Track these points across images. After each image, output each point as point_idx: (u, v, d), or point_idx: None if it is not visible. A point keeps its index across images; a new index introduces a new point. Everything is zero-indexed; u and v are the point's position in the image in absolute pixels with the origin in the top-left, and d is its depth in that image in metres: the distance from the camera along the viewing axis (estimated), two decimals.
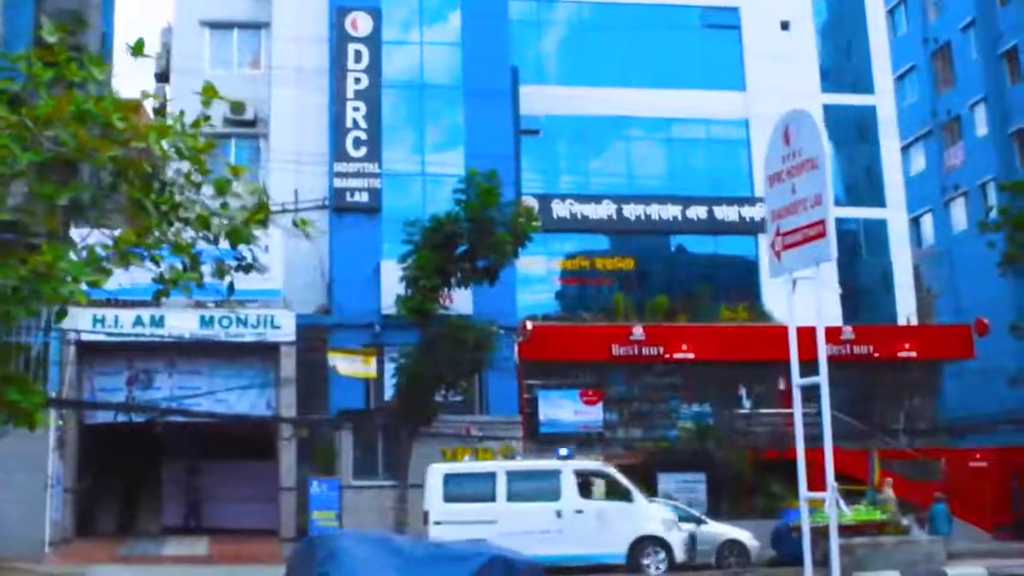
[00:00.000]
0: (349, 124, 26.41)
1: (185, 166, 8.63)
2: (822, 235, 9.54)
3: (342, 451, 24.57)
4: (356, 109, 26.49)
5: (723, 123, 30.48)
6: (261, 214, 9.00)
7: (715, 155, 30.59)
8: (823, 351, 9.48)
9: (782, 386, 25.80)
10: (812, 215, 9.66)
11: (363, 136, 26.37)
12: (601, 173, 30.00)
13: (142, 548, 23.30)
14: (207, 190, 8.78)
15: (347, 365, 22.99)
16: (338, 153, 26.28)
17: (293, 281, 24.84)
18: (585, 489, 19.59)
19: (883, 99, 32.44)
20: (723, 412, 27.79)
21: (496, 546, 8.50)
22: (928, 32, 41.43)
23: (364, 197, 26.18)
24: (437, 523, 18.73)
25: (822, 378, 9.39)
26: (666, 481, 25.32)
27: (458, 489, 19.20)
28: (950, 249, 38.67)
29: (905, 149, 39.26)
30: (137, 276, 9.10)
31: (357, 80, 26.66)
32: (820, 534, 13.32)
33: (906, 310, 30.89)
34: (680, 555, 18.97)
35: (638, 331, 27.21)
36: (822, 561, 12.20)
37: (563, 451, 20.35)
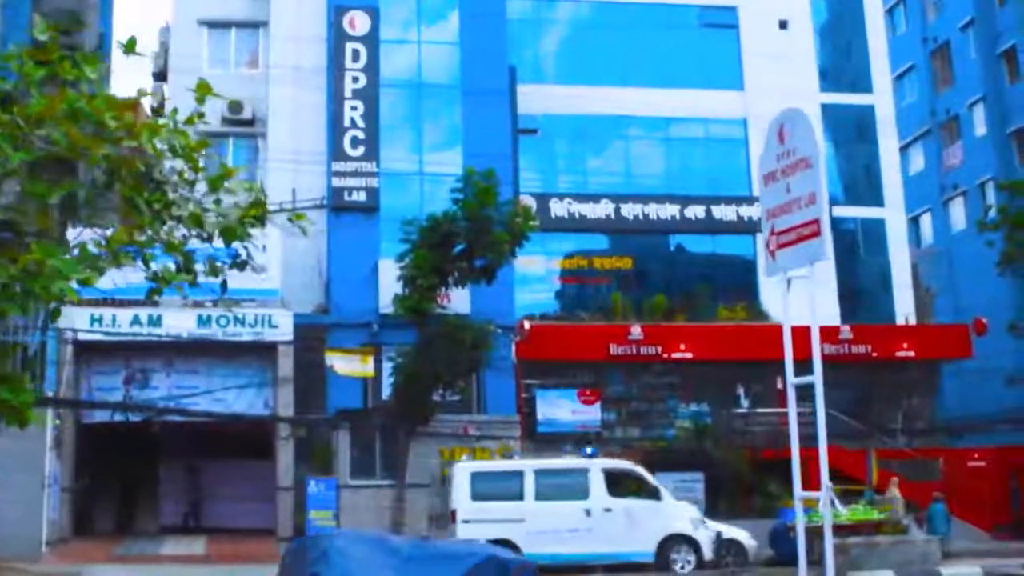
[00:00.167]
0: (347, 123, 26.41)
1: (179, 164, 8.63)
2: (816, 234, 9.52)
3: (339, 451, 24.56)
4: (354, 108, 26.48)
5: (721, 122, 30.46)
6: (255, 211, 8.99)
7: (713, 154, 30.56)
8: (817, 350, 9.46)
9: (780, 385, 25.72)
10: (806, 214, 9.64)
11: (361, 135, 26.36)
12: (599, 172, 29.99)
13: (139, 548, 23.29)
14: (201, 188, 8.78)
15: (344, 364, 22.98)
16: (336, 152, 26.28)
17: (291, 280, 24.85)
18: (613, 487, 19.61)
19: (881, 98, 32.41)
20: (721, 412, 27.76)
21: (488, 546, 8.48)
22: (927, 31, 41.42)
23: (362, 196, 26.18)
24: (465, 521, 18.77)
25: (816, 377, 9.37)
26: (664, 481, 25.08)
27: (485, 488, 19.19)
28: (949, 249, 38.67)
29: (904, 149, 39.26)
30: (133, 275, 9.10)
31: (355, 79, 26.65)
32: (816, 534, 13.31)
33: (904, 310, 30.88)
34: (708, 553, 19.06)
35: (636, 331, 27.19)
36: (818, 561, 12.19)
37: (588, 449, 20.45)
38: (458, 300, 22.86)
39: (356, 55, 26.79)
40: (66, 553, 21.48)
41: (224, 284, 9.24)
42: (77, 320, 22.42)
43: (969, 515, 25.58)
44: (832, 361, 26.16)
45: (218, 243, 8.80)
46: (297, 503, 23.19)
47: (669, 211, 29.68)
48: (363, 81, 26.65)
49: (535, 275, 28.83)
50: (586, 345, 27.13)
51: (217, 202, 8.84)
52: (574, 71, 30.27)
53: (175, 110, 8.76)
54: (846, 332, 28.15)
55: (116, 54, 22.42)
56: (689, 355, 27.24)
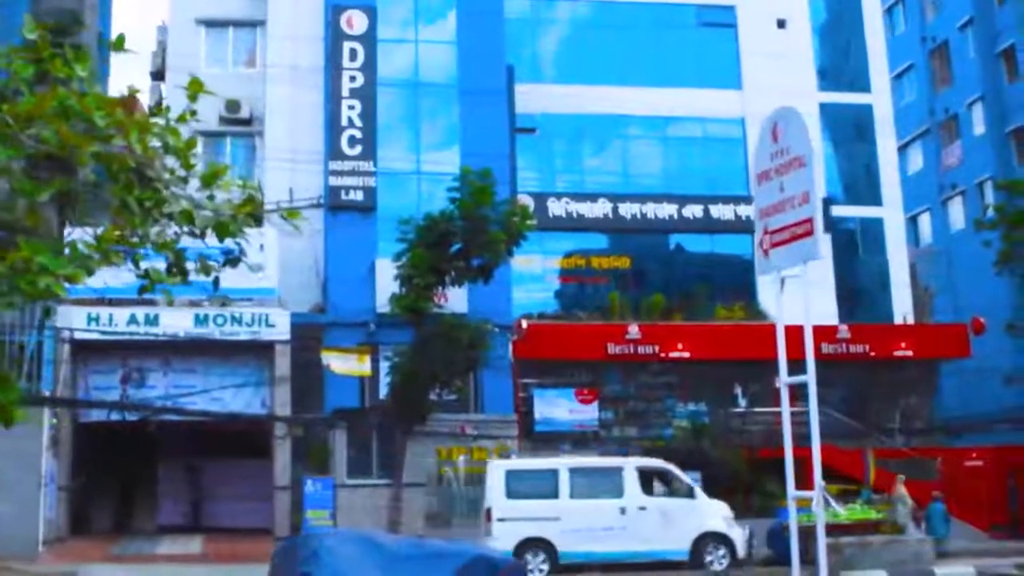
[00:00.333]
0: (344, 122, 26.39)
1: (171, 161, 8.60)
2: (810, 233, 9.50)
3: (336, 450, 24.55)
4: (351, 107, 26.46)
5: (719, 121, 30.44)
6: (249, 207, 8.96)
7: (711, 154, 30.54)
8: (811, 350, 9.45)
9: (777, 385, 25.74)
10: (800, 213, 9.63)
11: (358, 134, 26.34)
12: (597, 172, 29.97)
13: (136, 547, 23.25)
14: (194, 184, 8.76)
15: (341, 363, 22.96)
16: (333, 151, 26.26)
17: (288, 280, 24.85)
18: (646, 486, 19.74)
19: (880, 98, 32.40)
20: (718, 411, 27.76)
21: (479, 545, 8.48)
22: (926, 31, 41.40)
23: (359, 195, 26.16)
24: (501, 520, 18.87)
25: (809, 376, 9.35)
26: None
27: (520, 486, 19.30)
28: (948, 248, 38.65)
29: (903, 148, 39.27)
30: (129, 274, 9.08)
31: (352, 78, 26.63)
32: (811, 533, 13.29)
33: (902, 309, 30.85)
34: (742, 551, 19.19)
35: (634, 330, 27.17)
36: (813, 560, 12.18)
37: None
38: (455, 299, 22.86)
39: (353, 54, 26.77)
40: (63, 552, 21.45)
41: (216, 281, 9.22)
42: (74, 319, 22.43)
43: (967, 515, 25.54)
44: (830, 360, 26.25)
45: (211, 240, 8.78)
46: (294, 502, 23.18)
47: (667, 210, 29.67)
48: (360, 80, 26.64)
49: (533, 274, 28.80)
50: (584, 344, 27.11)
51: (210, 198, 8.83)
52: (572, 70, 30.26)
53: (167, 108, 8.74)
54: (844, 331, 28.14)
55: (115, 54, 22.42)
56: (687, 354, 27.23)
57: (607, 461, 20.58)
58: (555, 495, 19.24)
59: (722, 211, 29.78)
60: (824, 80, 32.12)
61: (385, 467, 23.53)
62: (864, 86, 32.36)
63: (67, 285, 7.47)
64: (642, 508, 19.20)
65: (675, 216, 29.72)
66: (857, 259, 31.73)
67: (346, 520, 22.48)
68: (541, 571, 18.80)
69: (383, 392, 23.86)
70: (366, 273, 25.25)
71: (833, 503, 20.53)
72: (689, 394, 28.21)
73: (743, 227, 29.44)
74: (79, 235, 8.38)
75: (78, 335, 22.64)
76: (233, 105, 26.90)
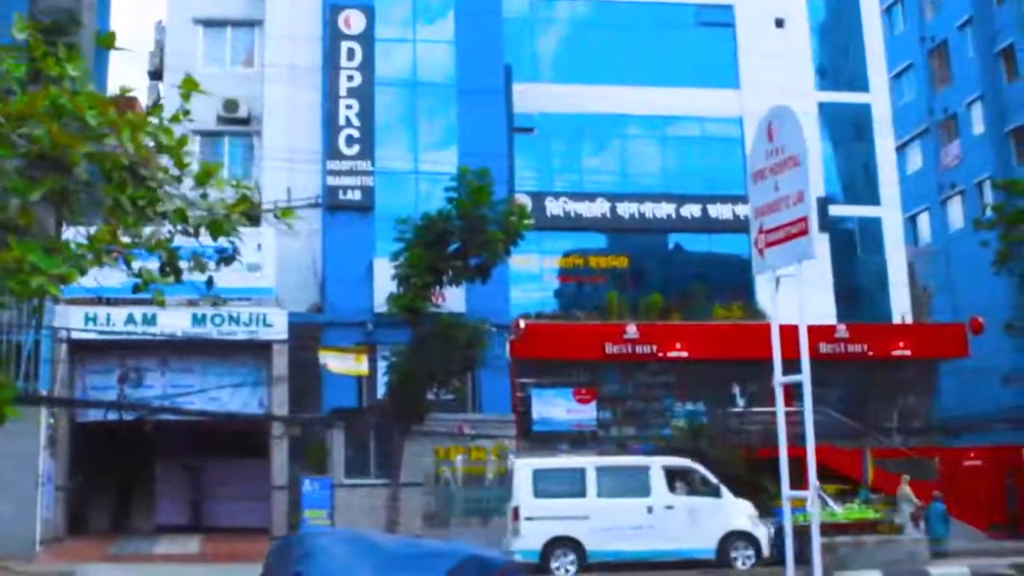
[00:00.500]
0: (342, 122, 26.37)
1: (163, 160, 8.59)
2: (804, 232, 9.48)
3: (334, 449, 24.53)
4: (349, 107, 26.44)
5: (718, 121, 30.42)
6: (243, 206, 8.95)
7: (710, 153, 30.51)
8: (805, 349, 9.43)
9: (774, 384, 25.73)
10: (794, 212, 9.61)
11: (356, 134, 26.32)
12: (595, 171, 29.95)
13: (134, 547, 23.25)
14: (188, 183, 8.75)
15: (339, 363, 22.93)
16: (331, 151, 26.24)
17: (285, 279, 24.83)
18: (673, 485, 19.91)
19: (878, 97, 32.38)
20: (716, 410, 27.73)
21: (472, 545, 8.47)
22: (925, 30, 41.39)
23: (357, 195, 26.14)
24: (529, 519, 18.98)
25: (804, 376, 9.34)
26: None
27: (548, 485, 19.46)
28: (947, 248, 38.64)
29: (902, 147, 39.27)
30: (124, 274, 9.08)
31: (350, 78, 26.62)
32: (805, 533, 13.27)
33: (901, 309, 30.84)
34: (767, 550, 19.22)
35: (632, 330, 27.16)
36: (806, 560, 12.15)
37: None
38: (453, 299, 22.87)
39: (351, 54, 26.75)
40: (60, 552, 21.44)
41: (210, 280, 9.21)
42: (71, 319, 22.42)
43: (965, 514, 25.54)
44: (828, 360, 26.27)
45: (205, 240, 8.77)
46: (292, 502, 23.18)
47: (665, 210, 29.67)
48: (358, 80, 26.62)
49: (530, 274, 28.79)
50: (582, 344, 27.09)
51: (204, 196, 8.82)
52: (570, 70, 30.25)
53: (160, 107, 8.73)
54: (842, 331, 28.10)
55: (113, 53, 22.42)
56: (685, 354, 27.22)
57: (633, 460, 20.88)
58: (583, 494, 19.42)
59: (720, 211, 29.77)
60: (823, 79, 32.13)
61: (383, 467, 23.52)
62: (863, 85, 32.34)
63: (62, 285, 7.48)
64: (669, 507, 19.41)
65: (673, 216, 29.71)
66: (855, 258, 31.72)
67: (344, 520, 22.48)
68: (568, 571, 18.93)
69: (381, 392, 23.84)
70: (364, 273, 25.23)
71: (830, 502, 20.55)
72: (687, 394, 28.20)
73: (741, 227, 29.35)
74: (71, 234, 8.38)
75: (75, 335, 22.62)
76: (231, 105, 26.87)
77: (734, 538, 19.37)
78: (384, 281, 22.80)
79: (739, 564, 19.11)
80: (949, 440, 30.40)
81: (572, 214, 29.21)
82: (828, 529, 17.28)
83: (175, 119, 8.70)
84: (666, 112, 30.12)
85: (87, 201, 9.00)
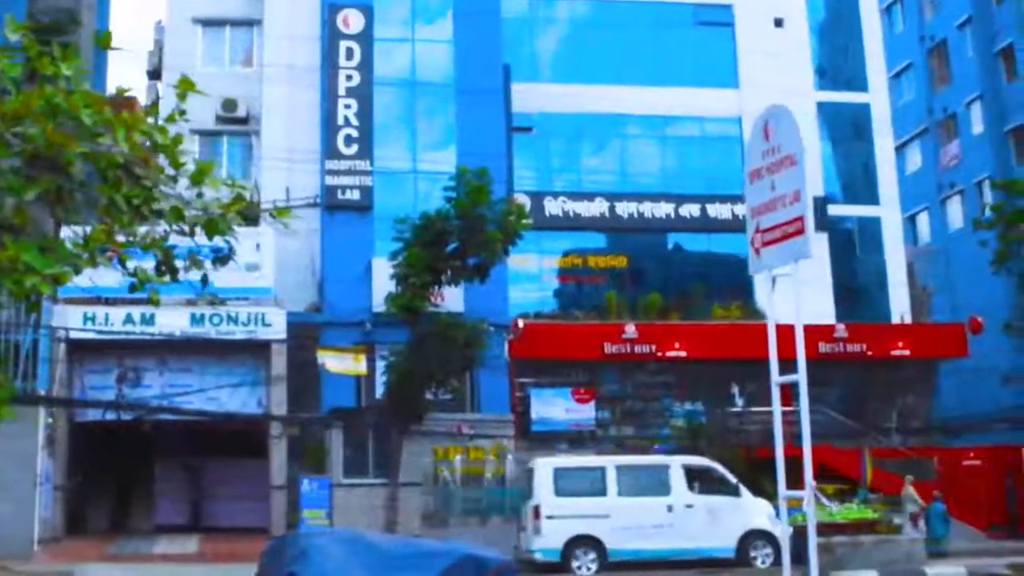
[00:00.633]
0: (341, 121, 26.37)
1: (161, 159, 8.59)
2: (800, 232, 9.45)
3: (333, 449, 24.51)
4: (348, 107, 26.44)
5: (717, 120, 30.41)
6: (238, 205, 8.94)
7: (709, 153, 30.51)
8: (802, 348, 9.41)
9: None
10: (791, 212, 9.57)
11: (355, 134, 26.32)
12: (594, 171, 29.95)
13: (132, 546, 23.21)
14: (183, 183, 8.75)
15: (337, 363, 22.92)
16: (330, 151, 26.24)
17: (284, 279, 24.81)
18: (692, 484, 20.01)
19: (878, 97, 32.38)
20: (715, 410, 27.74)
21: (468, 544, 8.47)
22: (924, 30, 41.37)
23: (356, 195, 26.14)
24: (549, 517, 19.07)
25: (800, 376, 9.31)
26: None
27: (568, 484, 19.59)
28: (946, 247, 38.62)
29: (901, 147, 39.25)
30: (122, 274, 9.08)
31: (349, 77, 26.61)
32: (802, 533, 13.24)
33: (900, 308, 30.83)
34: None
35: (630, 329, 27.16)
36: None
37: None
38: (451, 299, 22.87)
39: (350, 53, 26.75)
40: (58, 552, 21.42)
41: (205, 279, 9.20)
42: (70, 318, 22.40)
43: (964, 514, 25.52)
44: (827, 360, 26.26)
45: (201, 239, 8.77)
46: (291, 502, 23.15)
47: (664, 210, 29.66)
48: (357, 79, 26.61)
49: (529, 273, 28.78)
50: (580, 344, 27.09)
51: (199, 195, 8.81)
52: (569, 69, 30.25)
53: (156, 106, 8.73)
54: (841, 331, 28.10)
55: (113, 53, 22.41)
56: (683, 354, 27.21)
57: (653, 459, 21.04)
58: (603, 493, 19.55)
59: (719, 210, 29.76)
60: (822, 79, 32.12)
61: (381, 466, 23.50)
62: (862, 85, 32.33)
63: (57, 285, 7.47)
64: (689, 506, 19.55)
65: (672, 215, 29.71)
66: (855, 258, 31.71)
67: (342, 520, 22.46)
68: (589, 569, 19.00)
69: (379, 391, 23.82)
70: (362, 272, 25.22)
71: (826, 502, 20.54)
72: (686, 393, 28.21)
73: (740, 226, 29.15)
74: (66, 234, 8.37)
75: (74, 334, 22.60)
76: (230, 104, 26.85)
77: (753, 537, 19.48)
78: (383, 281, 22.79)
79: (759, 563, 19.19)
80: (948, 440, 30.38)
81: (571, 214, 29.21)
82: (826, 529, 17.27)
83: (171, 119, 8.69)
84: (665, 112, 30.11)
85: (82, 200, 9.00)
